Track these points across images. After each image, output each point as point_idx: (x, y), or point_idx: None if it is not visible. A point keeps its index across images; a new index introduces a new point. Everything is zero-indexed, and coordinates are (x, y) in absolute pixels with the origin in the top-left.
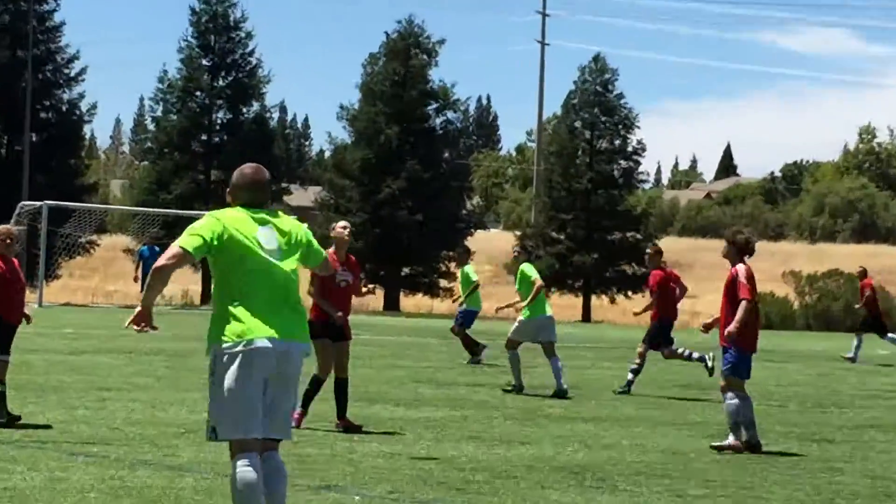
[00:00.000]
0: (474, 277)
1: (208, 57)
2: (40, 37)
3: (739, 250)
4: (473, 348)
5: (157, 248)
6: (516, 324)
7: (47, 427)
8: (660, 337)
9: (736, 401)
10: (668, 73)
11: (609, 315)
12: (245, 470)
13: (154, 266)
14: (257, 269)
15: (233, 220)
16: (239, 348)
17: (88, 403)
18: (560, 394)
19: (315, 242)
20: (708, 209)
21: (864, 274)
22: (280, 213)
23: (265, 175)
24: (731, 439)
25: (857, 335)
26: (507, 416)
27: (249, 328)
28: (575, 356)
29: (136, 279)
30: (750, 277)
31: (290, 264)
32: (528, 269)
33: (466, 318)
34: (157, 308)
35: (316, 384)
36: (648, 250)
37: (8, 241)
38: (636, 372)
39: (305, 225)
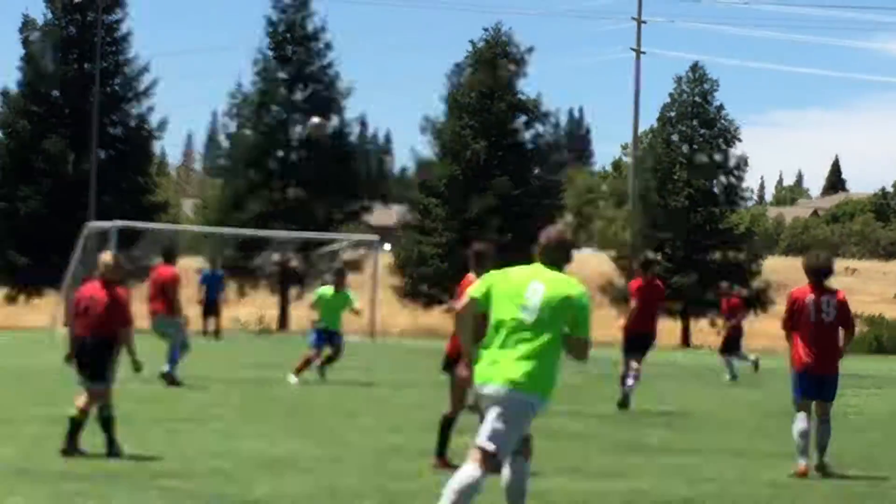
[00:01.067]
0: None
1: (285, 69)
2: (108, 49)
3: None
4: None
5: (220, 272)
6: None
7: (117, 459)
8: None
9: (796, 423)
10: (772, 83)
11: (710, 339)
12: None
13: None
14: None
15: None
16: None
17: (161, 435)
18: None
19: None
20: (815, 227)
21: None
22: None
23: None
24: (799, 463)
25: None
26: (605, 447)
27: None
28: (676, 384)
29: (199, 303)
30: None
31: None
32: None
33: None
34: (232, 334)
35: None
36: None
37: (101, 269)
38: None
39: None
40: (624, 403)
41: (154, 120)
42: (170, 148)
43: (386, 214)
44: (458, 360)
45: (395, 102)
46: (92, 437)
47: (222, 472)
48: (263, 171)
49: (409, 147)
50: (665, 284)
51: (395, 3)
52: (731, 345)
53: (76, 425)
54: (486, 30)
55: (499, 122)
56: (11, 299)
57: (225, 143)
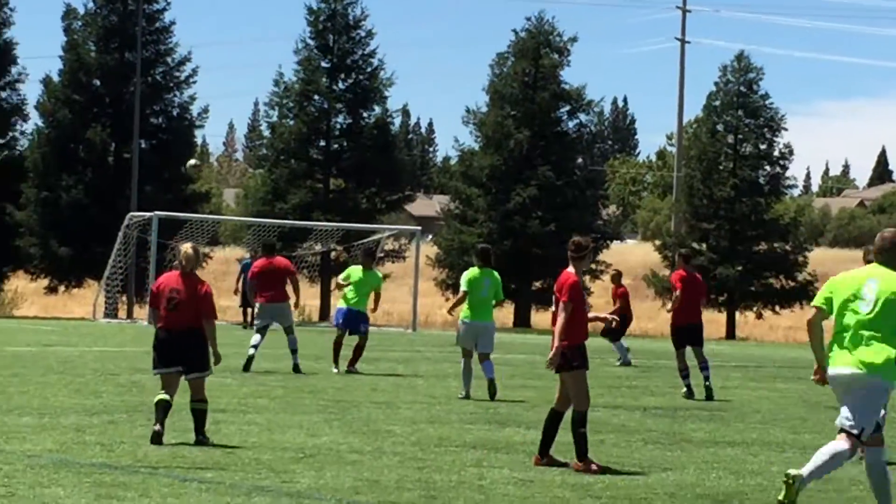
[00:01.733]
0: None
1: (327, 58)
2: (149, 38)
3: None
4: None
5: None
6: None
7: (159, 451)
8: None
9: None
10: (818, 72)
11: (755, 332)
12: None
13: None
14: None
15: None
16: None
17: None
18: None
19: None
20: (861, 218)
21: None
22: None
23: None
24: None
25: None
26: (648, 439)
27: None
28: (720, 376)
29: (236, 292)
30: None
31: None
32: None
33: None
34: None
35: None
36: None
37: (183, 261)
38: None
39: None
40: (690, 395)
41: (196, 109)
42: (211, 138)
43: (428, 204)
44: (570, 356)
45: (438, 92)
46: (132, 429)
47: (263, 464)
48: (305, 160)
49: (452, 137)
50: (708, 276)
51: None
52: (618, 332)
53: (203, 414)
54: (528, 19)
55: (542, 112)
56: (52, 289)
57: (267, 133)
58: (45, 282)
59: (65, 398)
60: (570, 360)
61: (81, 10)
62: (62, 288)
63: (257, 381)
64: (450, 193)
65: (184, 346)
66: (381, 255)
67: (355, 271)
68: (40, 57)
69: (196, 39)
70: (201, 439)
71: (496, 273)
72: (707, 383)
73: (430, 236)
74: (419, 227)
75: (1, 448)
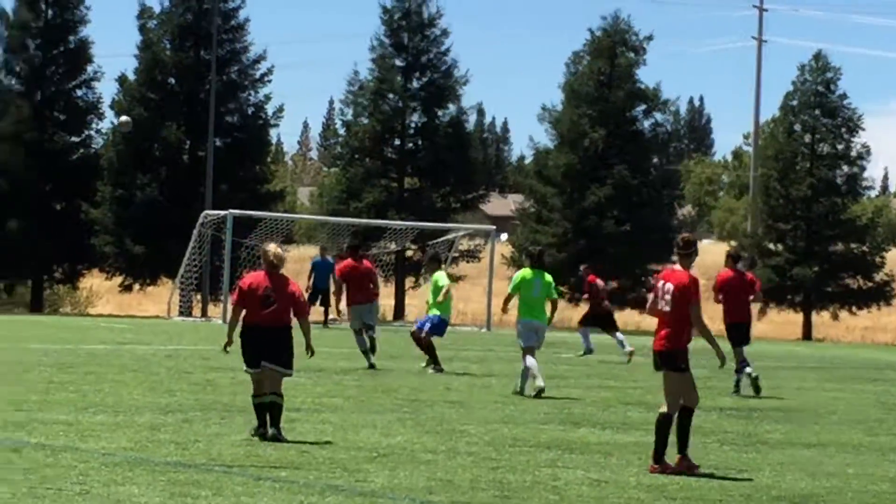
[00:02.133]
0: (443, 283)
1: (401, 56)
2: (225, 36)
3: None
4: (435, 358)
5: (330, 259)
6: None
7: (233, 449)
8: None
9: None
10: None
11: (832, 332)
12: None
13: None
14: None
15: None
16: None
17: None
18: None
19: None
20: None
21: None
22: None
23: None
24: None
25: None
26: (724, 441)
27: None
28: (796, 377)
29: (307, 289)
30: None
31: None
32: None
33: (438, 326)
34: (341, 324)
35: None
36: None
37: (274, 261)
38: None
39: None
40: (737, 390)
41: (270, 108)
42: (286, 136)
43: (503, 204)
44: (668, 357)
45: (513, 91)
46: (206, 427)
47: (337, 464)
48: (380, 159)
49: (527, 136)
50: (785, 276)
51: None
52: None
53: (279, 408)
54: (604, 18)
55: (617, 111)
56: (127, 287)
57: (341, 132)
58: (119, 280)
59: (139, 396)
60: (680, 361)
61: (157, 9)
62: (137, 286)
63: (332, 381)
64: (524, 192)
65: (274, 343)
66: (456, 254)
67: (442, 277)
68: (116, 56)
69: (271, 38)
70: (276, 433)
71: (547, 274)
72: (746, 378)
73: (505, 236)
74: (494, 227)
75: (76, 446)
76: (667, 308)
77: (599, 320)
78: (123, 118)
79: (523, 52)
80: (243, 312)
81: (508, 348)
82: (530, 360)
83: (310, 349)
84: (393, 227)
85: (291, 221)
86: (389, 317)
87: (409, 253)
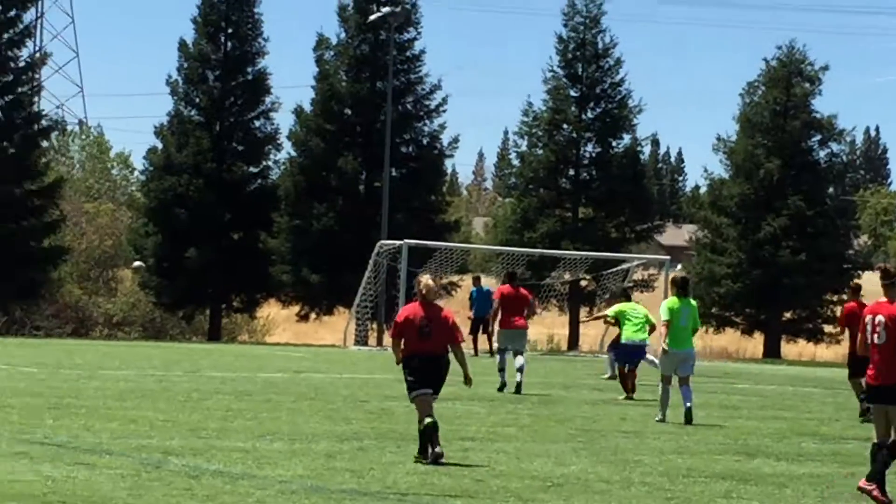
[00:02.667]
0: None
1: (576, 87)
2: (400, 67)
3: None
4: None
5: (487, 289)
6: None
7: (408, 478)
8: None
9: None
10: None
11: None
12: None
13: None
14: None
15: None
16: None
17: (451, 454)
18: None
19: None
20: None
21: None
22: None
23: None
24: None
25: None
26: None
27: None
28: None
29: (469, 319)
30: None
31: None
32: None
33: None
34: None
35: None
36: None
37: (424, 291)
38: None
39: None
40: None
41: (446, 138)
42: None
43: (677, 234)
44: (888, 391)
45: (689, 121)
46: (381, 455)
47: (511, 493)
48: (554, 189)
49: (702, 166)
50: None
51: (688, 22)
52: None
53: (432, 430)
54: (779, 48)
55: (792, 141)
56: (304, 316)
57: (516, 162)
58: (296, 309)
59: (316, 424)
60: None
61: (334, 41)
62: (313, 315)
63: (506, 410)
64: (699, 223)
65: (435, 370)
66: (630, 284)
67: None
68: (293, 87)
69: (446, 68)
70: (441, 451)
71: (693, 302)
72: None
73: (679, 266)
74: (668, 257)
75: (254, 473)
76: (880, 341)
77: None
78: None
79: (698, 83)
80: (402, 342)
81: None
82: (668, 388)
83: (468, 379)
84: (567, 257)
85: (466, 251)
86: (564, 346)
87: (583, 283)
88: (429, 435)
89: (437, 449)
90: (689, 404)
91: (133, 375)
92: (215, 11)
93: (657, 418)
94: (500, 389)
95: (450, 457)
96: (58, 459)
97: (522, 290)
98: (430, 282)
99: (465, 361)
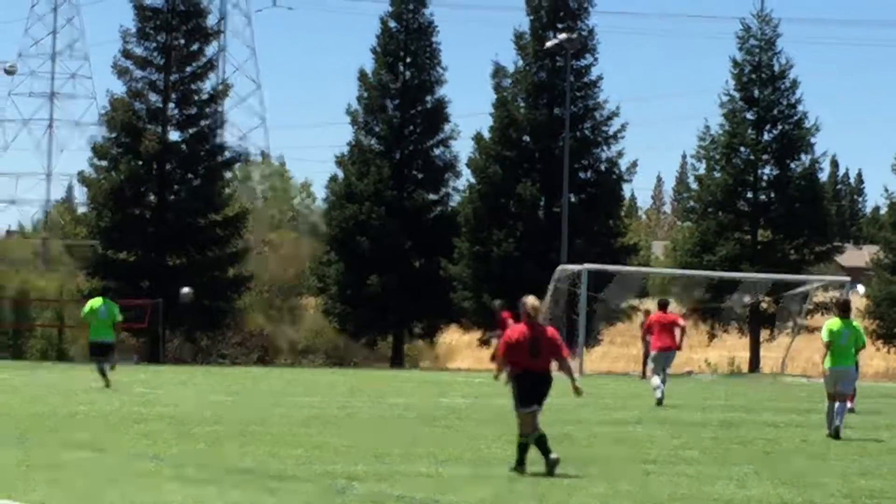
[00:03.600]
0: None
1: (752, 110)
2: (578, 93)
3: None
4: None
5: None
6: None
7: (590, 500)
8: None
9: None
10: None
11: None
12: None
13: None
14: None
15: None
16: None
17: (634, 476)
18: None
19: None
20: None
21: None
22: None
23: None
24: None
25: None
26: None
27: None
28: None
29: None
30: None
31: None
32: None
33: None
34: (700, 375)
35: None
36: None
37: (531, 312)
38: None
39: None
40: None
41: (623, 163)
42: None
43: (857, 255)
44: None
45: (869, 141)
46: (560, 479)
47: None
48: (733, 212)
49: (882, 185)
50: None
51: (864, 43)
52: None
53: (537, 443)
54: None
55: None
56: (485, 342)
57: (694, 185)
58: (477, 334)
59: (498, 450)
60: None
61: (511, 68)
62: (494, 340)
63: (688, 433)
64: (880, 243)
65: (543, 385)
66: (810, 306)
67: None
68: (471, 115)
69: (624, 94)
70: (556, 458)
71: (855, 323)
72: None
73: (861, 287)
74: (849, 278)
75: (437, 499)
76: None
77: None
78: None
79: (879, 104)
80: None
81: (866, 400)
82: (833, 405)
83: (577, 390)
84: (747, 280)
85: (645, 275)
86: (745, 368)
87: (763, 305)
88: (541, 446)
89: (553, 456)
90: (836, 423)
91: (317, 402)
92: (394, 41)
93: (827, 433)
94: (659, 403)
95: (632, 479)
96: (244, 486)
97: (671, 316)
98: (536, 302)
99: (571, 372)
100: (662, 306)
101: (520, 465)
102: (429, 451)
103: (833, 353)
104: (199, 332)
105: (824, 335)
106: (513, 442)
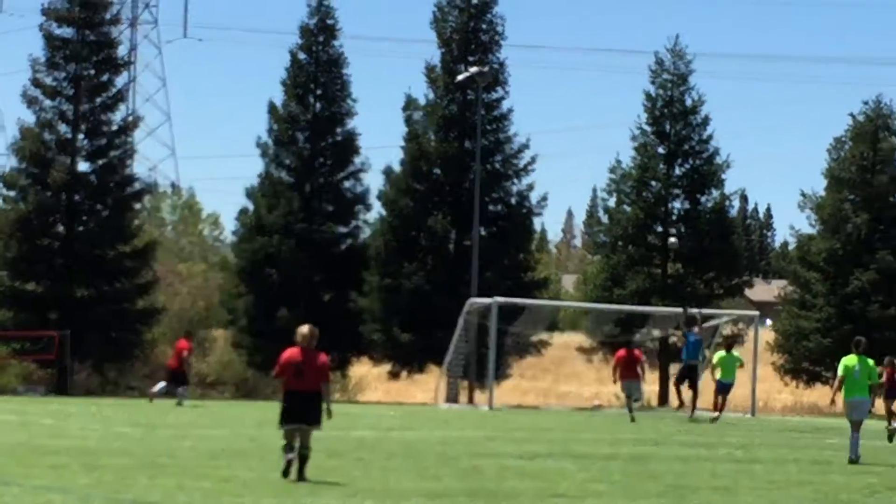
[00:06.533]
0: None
1: (664, 144)
2: (489, 126)
3: None
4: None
5: (699, 339)
6: None
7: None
8: None
9: None
10: None
11: None
12: None
13: None
14: None
15: None
16: None
17: None
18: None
19: None
20: None
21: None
22: None
23: None
24: None
25: None
26: None
27: None
28: None
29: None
30: None
31: None
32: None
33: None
34: (609, 409)
35: None
36: None
37: (298, 339)
38: None
39: None
40: None
41: (534, 196)
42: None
43: (766, 290)
44: None
45: (777, 177)
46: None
47: None
48: (643, 246)
49: (789, 222)
50: None
51: (775, 79)
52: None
53: (305, 460)
54: (865, 103)
55: (880, 196)
56: (395, 375)
57: (604, 219)
58: (388, 367)
59: (407, 483)
60: None
61: (422, 101)
62: (404, 373)
63: (597, 466)
64: (788, 278)
65: (306, 403)
66: (719, 340)
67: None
68: (382, 147)
69: (534, 127)
70: (302, 478)
71: (869, 359)
72: None
73: (769, 322)
74: (758, 312)
75: None
76: None
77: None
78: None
79: (786, 140)
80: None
81: (773, 433)
82: (853, 434)
83: (328, 411)
84: (656, 314)
85: (556, 309)
86: (654, 402)
87: (672, 339)
88: (301, 462)
89: (300, 476)
90: (852, 456)
91: (226, 434)
92: (304, 73)
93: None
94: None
95: None
96: None
97: (636, 352)
98: (305, 330)
99: (329, 398)
100: (625, 345)
101: (284, 475)
102: (337, 485)
103: (848, 385)
104: (107, 364)
105: (840, 370)
106: (422, 475)
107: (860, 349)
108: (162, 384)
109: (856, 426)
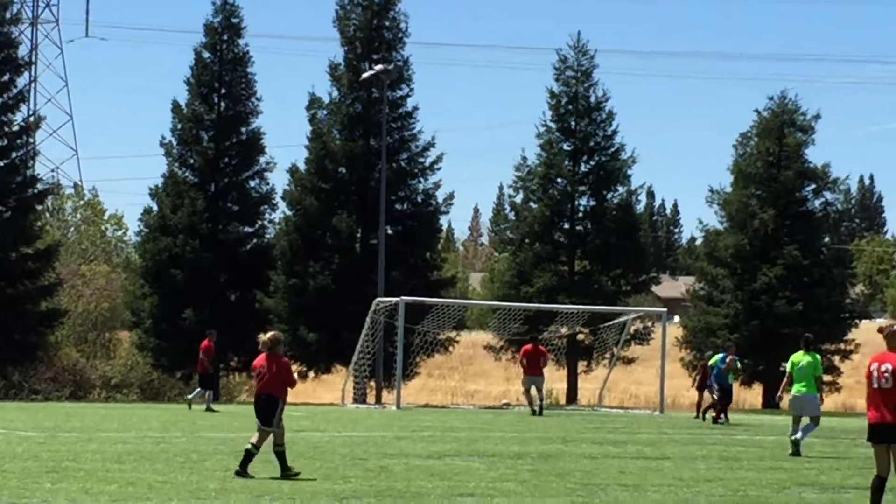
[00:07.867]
0: None
1: (569, 141)
2: (394, 124)
3: None
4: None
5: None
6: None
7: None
8: None
9: None
10: None
11: None
12: None
13: None
14: None
15: None
16: None
17: None
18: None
19: None
20: None
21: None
22: None
23: None
24: None
25: None
26: None
27: None
28: None
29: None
30: None
31: None
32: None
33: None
34: (517, 407)
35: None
36: None
37: (259, 344)
38: None
39: None
40: None
41: (441, 195)
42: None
43: (674, 286)
44: (878, 429)
45: (683, 173)
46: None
47: None
48: (550, 243)
49: (697, 218)
50: None
51: (681, 76)
52: None
53: (249, 456)
54: (771, 98)
55: (786, 191)
56: (301, 375)
57: (511, 217)
58: (294, 368)
59: (315, 484)
60: None
61: (326, 99)
62: (311, 374)
63: (505, 465)
64: (695, 274)
65: (264, 404)
66: (627, 337)
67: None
68: (287, 146)
69: (439, 124)
70: (286, 475)
71: (816, 355)
72: None
73: (677, 318)
74: (665, 309)
75: None
76: (888, 385)
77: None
78: None
79: (692, 136)
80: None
81: (682, 430)
82: (794, 427)
83: (278, 415)
84: (564, 311)
85: (463, 307)
86: (562, 400)
87: (580, 336)
88: (247, 459)
89: (244, 472)
90: (795, 437)
91: (131, 437)
92: (208, 72)
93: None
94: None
95: None
96: None
97: (541, 348)
98: (265, 336)
99: (284, 400)
100: (533, 340)
101: (242, 469)
102: (245, 486)
103: (795, 380)
104: (10, 367)
105: (788, 366)
106: (329, 476)
107: (807, 345)
108: (198, 391)
109: (796, 420)
